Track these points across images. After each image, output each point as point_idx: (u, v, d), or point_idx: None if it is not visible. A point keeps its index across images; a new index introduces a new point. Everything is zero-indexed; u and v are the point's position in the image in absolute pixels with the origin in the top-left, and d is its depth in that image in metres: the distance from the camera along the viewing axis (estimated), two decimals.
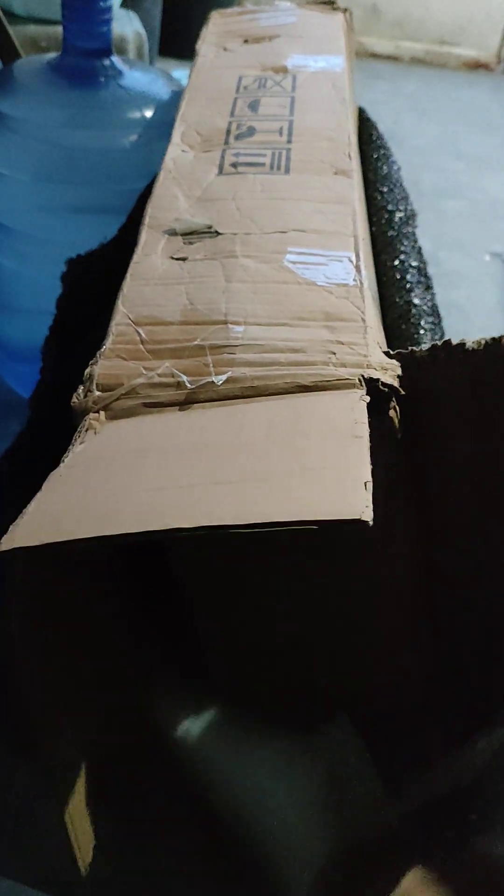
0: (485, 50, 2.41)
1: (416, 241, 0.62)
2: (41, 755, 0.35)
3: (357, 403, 0.34)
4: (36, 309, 0.61)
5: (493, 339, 0.36)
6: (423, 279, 0.59)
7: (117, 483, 0.31)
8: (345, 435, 0.32)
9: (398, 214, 0.62)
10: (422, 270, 0.60)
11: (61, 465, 0.33)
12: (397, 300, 0.55)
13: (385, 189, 0.63)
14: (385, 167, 0.66)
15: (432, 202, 1.62)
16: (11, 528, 0.29)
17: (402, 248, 0.59)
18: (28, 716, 0.36)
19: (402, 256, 0.58)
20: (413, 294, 0.55)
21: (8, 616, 0.34)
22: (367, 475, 0.29)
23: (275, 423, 0.33)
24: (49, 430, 0.50)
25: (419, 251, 0.62)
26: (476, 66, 2.43)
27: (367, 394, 0.36)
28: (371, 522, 0.26)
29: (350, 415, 0.33)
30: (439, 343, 0.36)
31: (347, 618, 0.39)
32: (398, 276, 0.57)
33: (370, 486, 0.28)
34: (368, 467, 0.29)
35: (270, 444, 0.32)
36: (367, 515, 0.26)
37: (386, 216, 0.61)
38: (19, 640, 0.34)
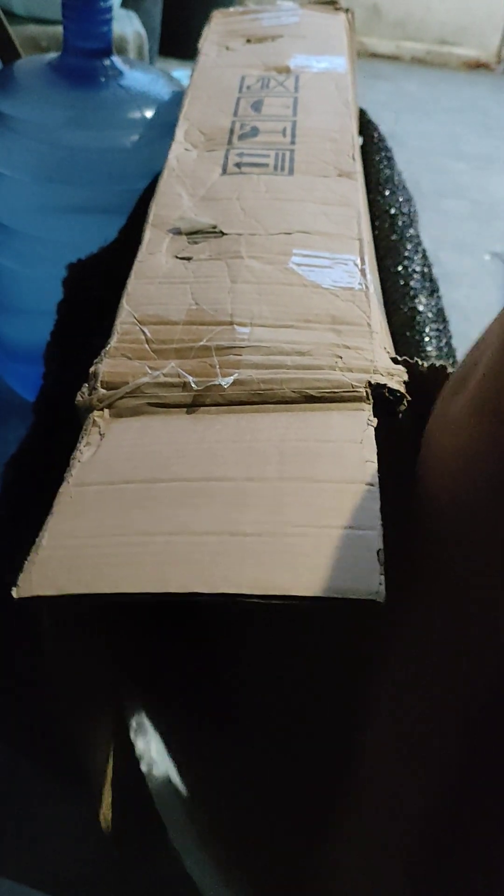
0: (485, 50, 2.41)
1: (419, 245, 0.62)
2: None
3: (366, 433, 0.34)
4: (36, 309, 0.60)
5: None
6: (427, 284, 0.58)
7: (131, 520, 0.31)
8: (356, 481, 0.32)
9: (401, 218, 0.61)
10: (426, 275, 0.60)
11: (69, 478, 0.33)
12: (401, 307, 0.55)
13: (388, 192, 0.63)
14: (388, 170, 0.66)
15: (433, 202, 1.62)
16: (27, 566, 0.29)
17: (406, 253, 0.59)
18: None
19: (406, 262, 0.58)
20: (417, 300, 0.55)
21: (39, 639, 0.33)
22: (379, 540, 0.29)
23: (285, 455, 0.33)
24: (53, 435, 0.50)
25: (424, 255, 0.62)
26: (476, 66, 2.43)
27: (375, 400, 0.35)
28: (383, 601, 0.27)
29: (359, 452, 0.33)
30: (436, 364, 0.36)
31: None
32: (402, 282, 0.56)
33: (382, 554, 0.28)
34: (380, 528, 0.29)
35: (281, 486, 0.32)
36: (381, 595, 0.27)
37: (389, 220, 0.61)
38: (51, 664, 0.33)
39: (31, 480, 0.50)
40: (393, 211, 0.61)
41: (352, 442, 0.33)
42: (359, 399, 0.36)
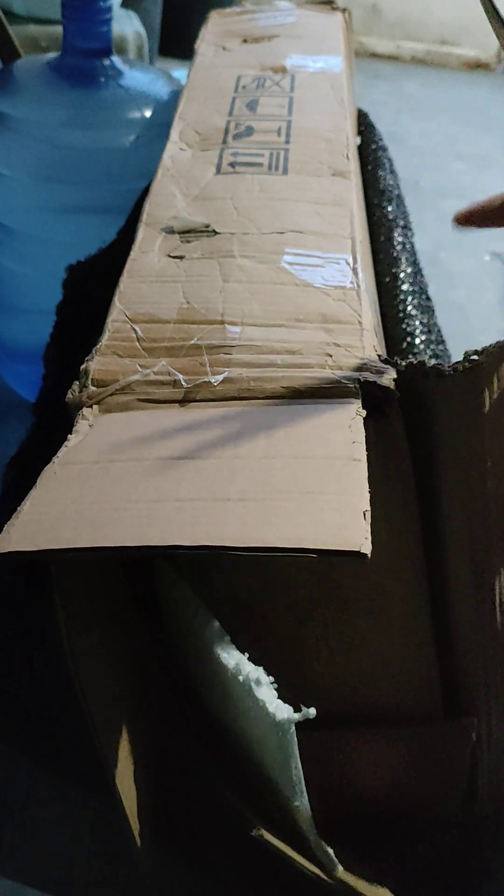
0: (485, 50, 2.41)
1: (417, 263, 0.62)
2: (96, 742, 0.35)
3: (354, 420, 0.34)
4: (36, 309, 0.61)
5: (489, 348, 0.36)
6: (423, 301, 0.59)
7: (114, 489, 0.31)
8: (343, 457, 0.32)
9: (396, 231, 0.61)
10: (423, 289, 0.60)
11: (55, 459, 0.33)
12: (399, 314, 0.55)
13: (388, 203, 0.63)
14: (390, 180, 0.66)
15: (432, 202, 1.62)
16: (6, 527, 0.29)
17: (406, 267, 0.59)
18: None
19: (406, 278, 0.58)
20: (416, 319, 0.55)
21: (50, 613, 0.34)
22: (366, 503, 0.29)
23: (273, 438, 0.33)
24: (53, 436, 0.50)
25: (421, 272, 0.62)
26: (476, 66, 2.43)
27: (364, 396, 0.36)
28: (369, 555, 0.27)
29: (347, 434, 0.33)
30: (423, 361, 0.37)
31: (344, 636, 0.39)
32: (401, 300, 0.56)
33: (369, 515, 0.28)
34: (367, 495, 0.30)
35: (268, 462, 0.32)
36: (367, 548, 0.27)
37: (389, 232, 0.61)
38: (64, 634, 0.33)
39: (32, 481, 0.50)
40: (393, 218, 0.61)
41: (340, 428, 0.34)
42: (348, 394, 0.36)
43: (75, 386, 0.37)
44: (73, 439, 0.34)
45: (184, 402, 0.36)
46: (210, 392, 0.36)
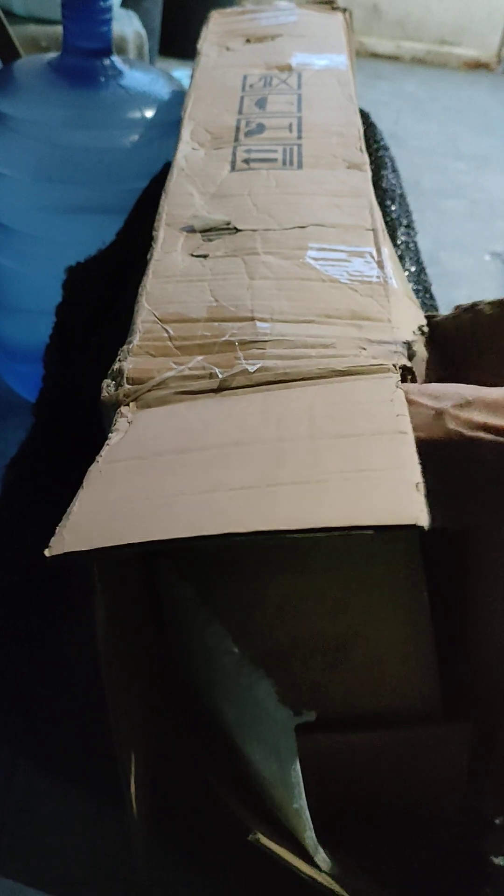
0: (485, 50, 2.41)
1: (421, 263, 0.62)
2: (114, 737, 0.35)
3: (395, 393, 0.34)
4: (36, 309, 0.60)
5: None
6: (426, 300, 0.59)
7: (163, 483, 0.31)
8: (388, 431, 0.32)
9: (400, 231, 0.62)
10: (427, 288, 0.60)
11: (99, 459, 0.33)
12: None
13: (391, 203, 0.63)
14: (392, 179, 0.66)
15: (432, 202, 1.62)
16: (59, 530, 0.29)
17: (410, 267, 0.59)
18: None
19: (411, 287, 0.58)
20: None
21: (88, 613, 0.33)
22: (418, 476, 0.29)
23: (315, 418, 0.33)
24: (53, 437, 0.50)
25: (424, 270, 0.62)
26: (476, 65, 2.43)
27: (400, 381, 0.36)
28: (427, 526, 0.27)
29: (390, 408, 0.33)
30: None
31: (343, 639, 0.39)
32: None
33: (422, 487, 0.28)
34: (418, 467, 0.29)
35: (314, 443, 0.32)
36: (423, 520, 0.27)
37: (391, 231, 0.61)
38: (102, 636, 0.33)
39: (32, 481, 0.50)
40: (396, 217, 0.61)
41: (382, 402, 0.34)
42: (385, 370, 0.36)
43: (110, 385, 0.37)
44: (113, 437, 0.34)
45: (219, 390, 0.36)
46: (246, 379, 0.36)
